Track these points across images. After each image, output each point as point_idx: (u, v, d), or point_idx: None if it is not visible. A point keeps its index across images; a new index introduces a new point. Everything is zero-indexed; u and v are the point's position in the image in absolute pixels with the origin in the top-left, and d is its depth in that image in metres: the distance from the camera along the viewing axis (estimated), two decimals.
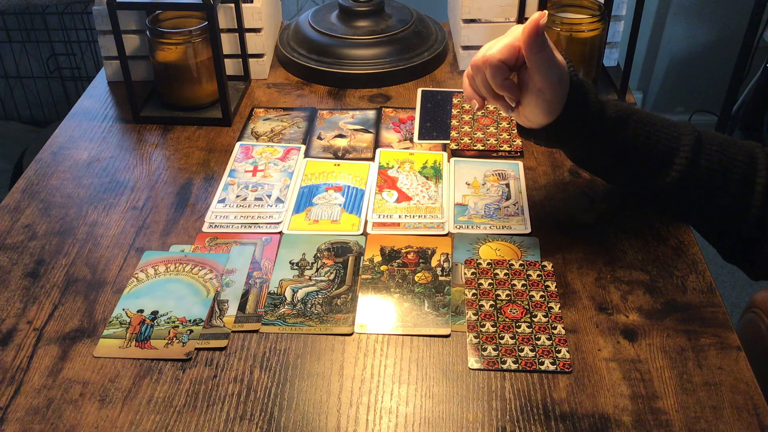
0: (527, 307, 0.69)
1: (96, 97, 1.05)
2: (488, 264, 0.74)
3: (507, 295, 0.70)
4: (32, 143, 2.01)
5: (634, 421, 0.59)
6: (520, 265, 0.74)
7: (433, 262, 0.75)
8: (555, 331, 0.66)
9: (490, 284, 0.72)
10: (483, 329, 0.67)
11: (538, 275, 0.72)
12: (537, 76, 0.68)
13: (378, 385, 0.63)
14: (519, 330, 0.67)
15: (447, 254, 0.76)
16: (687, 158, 0.71)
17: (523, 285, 0.71)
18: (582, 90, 0.71)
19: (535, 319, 0.68)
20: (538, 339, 0.66)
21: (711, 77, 2.38)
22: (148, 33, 0.95)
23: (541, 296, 0.70)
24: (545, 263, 0.74)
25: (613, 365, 0.64)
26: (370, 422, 0.60)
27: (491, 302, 0.70)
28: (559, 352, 0.65)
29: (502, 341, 0.66)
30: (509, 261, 0.74)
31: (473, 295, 0.70)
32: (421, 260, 0.75)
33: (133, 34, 1.05)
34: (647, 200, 0.78)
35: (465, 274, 0.73)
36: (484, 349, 0.65)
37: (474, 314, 0.68)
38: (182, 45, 0.94)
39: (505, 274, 0.73)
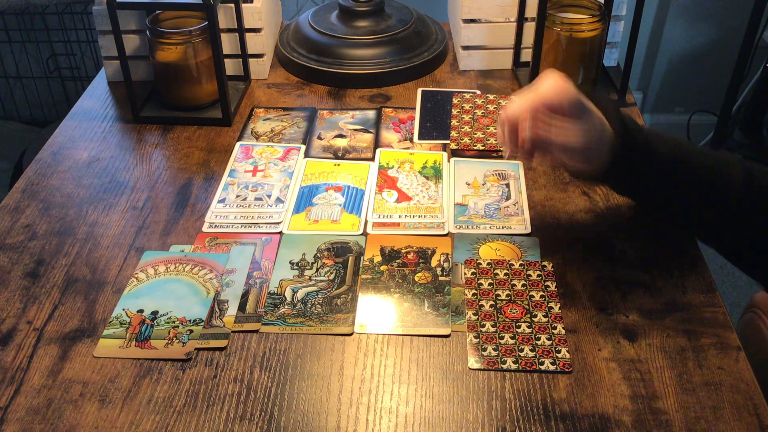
0: (527, 307, 0.69)
1: (96, 97, 1.05)
2: (488, 264, 0.74)
3: (507, 295, 0.70)
4: (32, 143, 2.01)
5: (634, 421, 0.59)
6: (520, 265, 0.74)
7: (433, 262, 0.75)
8: (555, 331, 0.66)
9: (490, 284, 0.72)
10: (483, 329, 0.67)
11: (538, 275, 0.72)
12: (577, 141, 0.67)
13: (378, 385, 0.63)
14: (519, 330, 0.67)
15: (447, 254, 0.76)
16: (743, 175, 0.69)
17: (523, 285, 0.71)
18: (629, 137, 0.69)
19: (535, 319, 0.68)
20: (538, 339, 0.66)
21: (711, 77, 2.38)
22: (148, 33, 0.95)
23: (541, 296, 0.70)
24: (545, 263, 0.74)
25: (613, 365, 0.64)
26: (370, 422, 0.60)
27: (491, 302, 0.70)
28: (559, 352, 0.65)
29: (502, 341, 0.66)
30: (509, 261, 0.74)
31: (473, 295, 0.70)
32: (421, 260, 0.75)
33: (133, 34, 1.05)
34: (704, 230, 0.75)
35: (465, 274, 0.73)
36: (484, 349, 0.65)
37: (474, 314, 0.68)
38: (182, 45, 0.94)
39: (505, 274, 0.73)
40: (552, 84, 0.67)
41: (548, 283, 0.71)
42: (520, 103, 0.68)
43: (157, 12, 0.98)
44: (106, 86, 1.08)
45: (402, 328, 0.68)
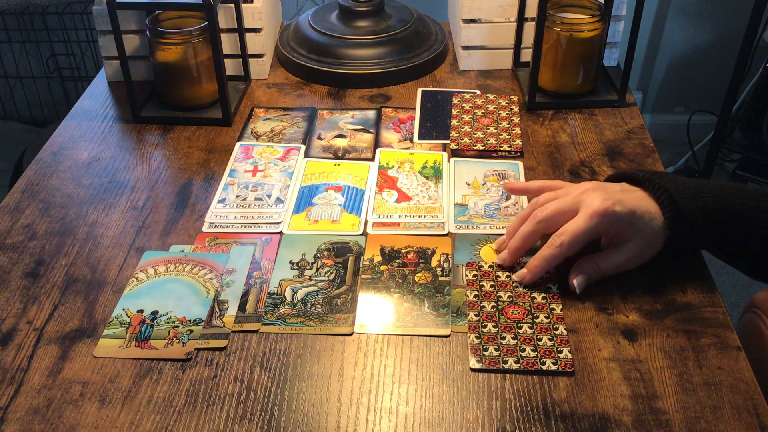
0: (529, 308, 0.69)
1: (96, 97, 1.05)
2: (490, 266, 0.74)
3: (509, 297, 0.70)
4: (32, 143, 2.01)
5: (634, 421, 0.59)
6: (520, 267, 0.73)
7: (433, 262, 0.75)
8: (557, 332, 0.66)
9: (491, 286, 0.71)
10: (484, 330, 0.67)
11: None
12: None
13: (378, 385, 0.63)
14: (520, 331, 0.67)
15: (447, 254, 0.76)
16: None
17: (524, 287, 0.71)
18: (682, 219, 0.68)
19: (537, 320, 0.68)
20: (540, 339, 0.66)
21: (711, 77, 2.38)
22: (148, 33, 0.95)
23: (543, 298, 0.70)
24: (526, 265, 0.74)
25: (613, 365, 0.64)
26: (370, 422, 0.60)
27: (492, 304, 0.70)
28: (560, 352, 0.64)
29: (503, 341, 0.66)
30: None
31: (475, 296, 0.70)
32: (421, 260, 0.75)
33: (133, 34, 1.05)
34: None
35: (467, 276, 0.73)
36: (486, 350, 0.65)
37: (476, 315, 0.68)
38: (182, 45, 0.94)
39: (507, 276, 0.72)
40: (592, 214, 0.67)
41: (549, 284, 0.71)
42: (554, 215, 0.69)
43: (157, 12, 0.98)
44: (106, 86, 1.08)
45: (402, 329, 0.68)
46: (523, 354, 0.64)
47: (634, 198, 0.69)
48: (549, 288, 0.71)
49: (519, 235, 0.72)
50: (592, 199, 0.68)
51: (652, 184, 0.70)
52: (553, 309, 0.69)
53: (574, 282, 0.69)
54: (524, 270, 0.71)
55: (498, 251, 0.75)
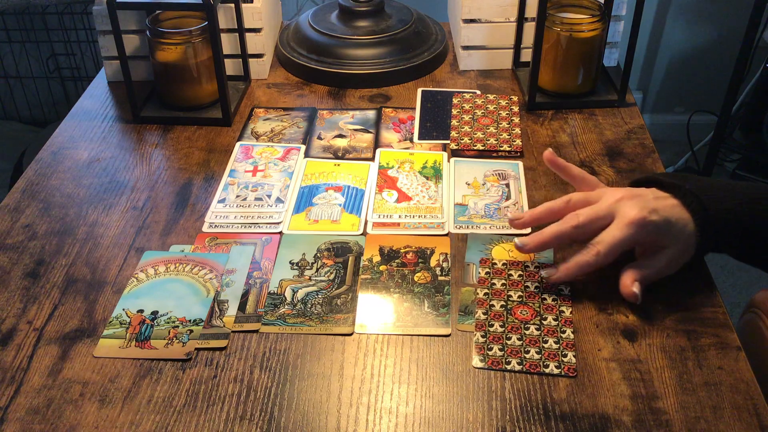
0: (538, 309, 0.69)
1: (96, 97, 1.05)
2: (503, 265, 0.73)
3: (519, 296, 0.70)
4: (32, 143, 2.01)
5: (634, 421, 0.59)
6: (535, 267, 0.73)
7: (432, 262, 0.75)
8: (563, 335, 0.66)
9: (503, 284, 0.71)
10: (491, 329, 0.67)
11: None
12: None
13: (378, 385, 0.63)
14: (527, 332, 0.67)
15: (446, 254, 0.76)
16: None
17: (536, 287, 0.71)
18: (712, 226, 0.68)
19: (545, 322, 0.67)
20: (546, 342, 0.66)
21: (711, 77, 2.38)
22: (148, 33, 0.95)
23: (554, 299, 0.70)
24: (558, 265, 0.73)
25: (613, 365, 0.64)
26: (370, 422, 0.60)
27: (502, 303, 0.69)
28: (565, 355, 0.64)
29: (508, 342, 0.66)
30: (524, 263, 0.74)
31: (485, 294, 0.70)
32: (420, 260, 0.75)
33: (133, 34, 1.05)
34: None
35: (479, 272, 0.73)
36: (490, 349, 0.65)
37: (483, 313, 0.68)
38: (182, 45, 0.94)
39: (519, 276, 0.72)
40: (629, 224, 0.67)
41: (562, 287, 0.71)
42: (589, 221, 0.68)
43: (157, 12, 0.98)
44: (106, 86, 1.08)
45: (402, 328, 0.68)
46: (527, 356, 0.64)
47: (668, 206, 0.68)
48: (561, 290, 0.71)
49: (551, 232, 0.70)
50: (628, 208, 0.67)
51: (682, 192, 0.70)
52: (563, 311, 0.68)
53: (636, 291, 0.67)
54: (555, 270, 0.69)
55: (512, 222, 0.74)
